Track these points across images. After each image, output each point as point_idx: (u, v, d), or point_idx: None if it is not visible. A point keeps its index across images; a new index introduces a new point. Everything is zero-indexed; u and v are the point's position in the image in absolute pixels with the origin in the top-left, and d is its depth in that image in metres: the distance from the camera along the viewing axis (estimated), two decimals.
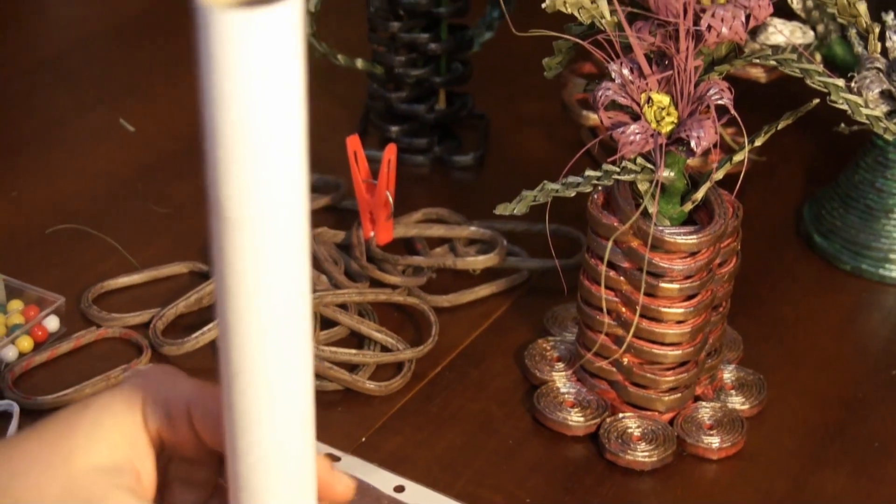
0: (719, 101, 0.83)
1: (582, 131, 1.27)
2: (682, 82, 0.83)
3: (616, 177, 0.86)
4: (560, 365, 0.98)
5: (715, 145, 0.84)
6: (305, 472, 0.59)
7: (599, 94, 0.84)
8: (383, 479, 0.89)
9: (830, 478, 0.92)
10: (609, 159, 0.86)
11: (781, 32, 1.00)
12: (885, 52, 1.02)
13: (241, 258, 0.52)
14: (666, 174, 0.87)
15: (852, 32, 1.03)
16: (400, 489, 0.88)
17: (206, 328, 0.99)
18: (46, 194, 1.17)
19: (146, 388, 0.61)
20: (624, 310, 0.91)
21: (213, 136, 0.50)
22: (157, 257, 1.09)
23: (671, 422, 0.94)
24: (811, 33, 1.04)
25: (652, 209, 0.87)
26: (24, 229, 1.13)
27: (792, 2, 1.04)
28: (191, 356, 0.99)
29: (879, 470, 0.93)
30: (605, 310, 0.91)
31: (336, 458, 0.90)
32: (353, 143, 1.06)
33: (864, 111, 0.82)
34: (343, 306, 1.03)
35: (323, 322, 1.01)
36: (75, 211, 1.15)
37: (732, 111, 0.82)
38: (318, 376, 0.96)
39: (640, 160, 0.86)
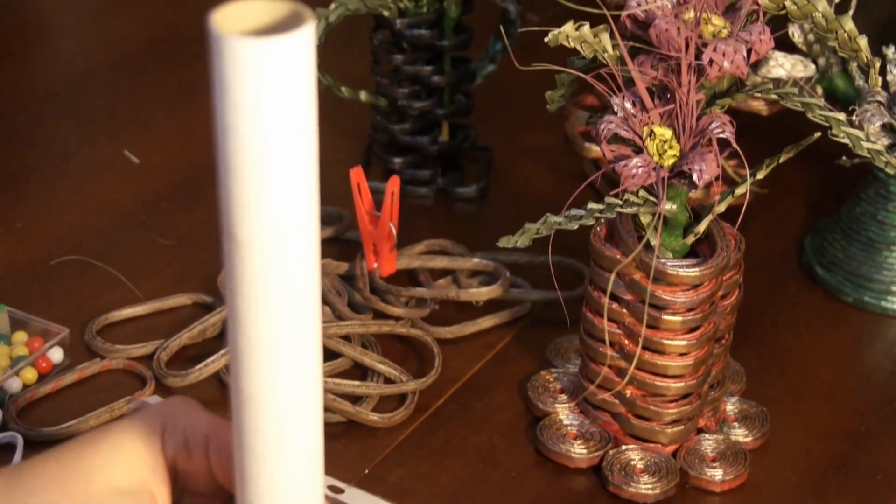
0: (721, 135, 0.83)
1: (584, 163, 1.27)
2: (684, 116, 0.83)
3: (619, 209, 0.86)
4: (563, 397, 0.98)
5: (717, 178, 0.84)
6: (314, 496, 0.59)
7: (602, 127, 0.85)
8: None
9: None
10: (612, 192, 0.86)
11: (783, 66, 1.01)
12: (885, 85, 1.03)
13: (252, 279, 0.52)
14: (668, 207, 0.87)
15: (853, 66, 1.04)
16: None
17: (209, 360, 1.00)
18: (51, 225, 1.17)
19: (166, 415, 0.61)
20: (627, 342, 0.92)
21: (225, 161, 0.50)
22: (161, 289, 1.09)
23: (674, 454, 0.94)
24: (812, 67, 1.04)
25: (654, 242, 0.87)
26: (29, 260, 1.13)
27: (793, 35, 1.04)
28: (194, 388, 0.99)
29: (882, 503, 0.93)
30: (607, 342, 0.92)
31: (339, 490, 0.90)
32: (357, 174, 1.06)
33: (866, 145, 0.83)
34: (346, 338, 1.03)
35: (326, 353, 1.01)
36: (79, 242, 1.15)
37: (734, 144, 0.83)
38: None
39: (642, 193, 0.87)
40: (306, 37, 0.49)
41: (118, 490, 0.58)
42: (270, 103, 0.49)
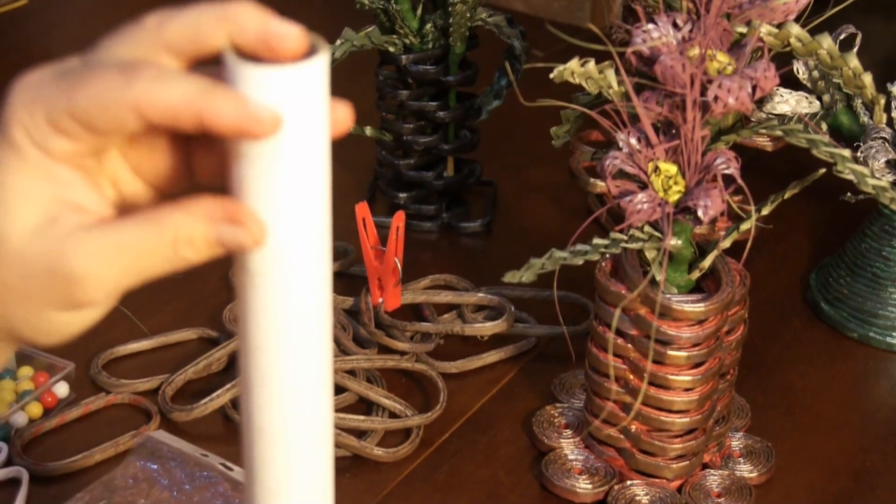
0: (726, 171, 0.83)
1: (589, 199, 1.27)
2: (689, 151, 0.84)
3: (624, 245, 0.87)
4: (568, 432, 0.98)
5: (722, 214, 0.84)
6: None
7: (607, 162, 0.85)
8: None
9: None
10: (617, 227, 0.86)
11: (787, 102, 1.01)
12: (890, 122, 1.03)
13: (264, 311, 0.53)
14: (673, 242, 0.87)
15: (858, 102, 1.04)
16: None
17: (215, 394, 0.99)
18: None
19: (10, 122, 0.52)
20: (632, 377, 0.92)
21: (238, 191, 0.50)
22: (167, 323, 1.09)
23: (679, 489, 0.94)
24: (817, 103, 1.04)
25: (659, 277, 0.87)
26: None
27: (798, 72, 1.04)
28: (200, 422, 0.99)
29: None
30: (612, 377, 0.92)
31: None
32: (362, 209, 1.07)
33: (871, 181, 0.83)
34: (351, 372, 1.03)
35: None
36: None
37: (739, 180, 0.83)
38: None
39: (647, 228, 0.87)
40: (320, 66, 0.49)
41: (38, 229, 0.51)
42: (284, 131, 0.49)
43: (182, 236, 0.51)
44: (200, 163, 0.54)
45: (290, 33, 0.49)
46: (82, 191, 0.53)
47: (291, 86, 0.49)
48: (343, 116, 0.53)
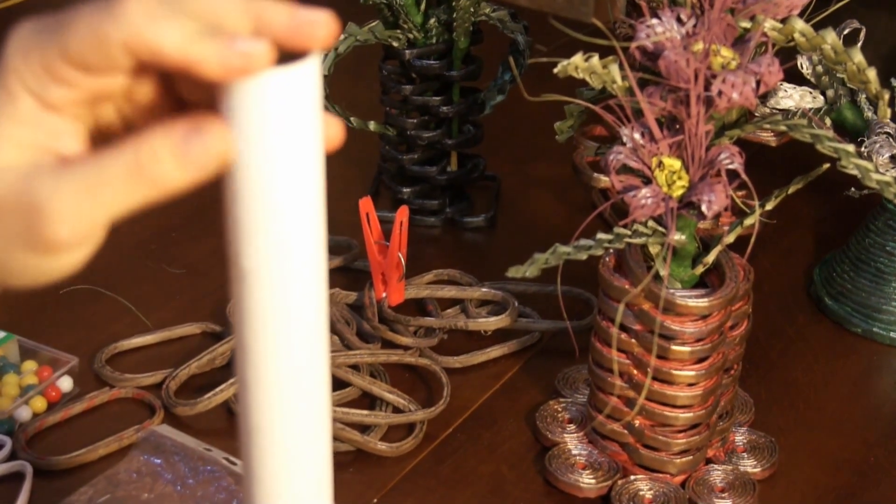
0: (730, 166, 0.83)
1: (593, 194, 1.27)
2: (693, 147, 0.83)
3: (627, 240, 0.87)
4: (571, 427, 0.98)
5: (726, 209, 0.84)
6: None
7: (611, 157, 0.85)
8: None
9: None
10: (621, 222, 0.86)
11: (791, 97, 1.01)
12: (895, 117, 1.03)
13: (258, 309, 0.52)
14: (677, 237, 0.87)
15: (862, 98, 1.04)
16: None
17: (218, 389, 1.00)
18: None
19: (7, 70, 0.52)
20: (635, 372, 0.92)
21: (231, 191, 0.50)
22: (171, 318, 1.09)
23: (683, 484, 0.94)
24: (821, 98, 1.04)
25: (663, 272, 0.87)
26: (38, 290, 1.13)
27: (802, 67, 1.04)
28: (203, 416, 0.99)
29: None
30: (616, 372, 0.92)
31: None
32: (366, 204, 1.07)
33: (875, 176, 0.83)
34: (355, 367, 1.03)
35: (335, 383, 1.01)
36: (89, 272, 1.14)
37: (743, 175, 0.83)
38: None
39: (651, 223, 0.87)
40: (312, 69, 0.49)
41: (11, 170, 0.51)
42: (275, 133, 0.49)
43: (145, 153, 0.49)
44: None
45: (321, 20, 0.49)
46: (71, 143, 0.52)
47: (282, 88, 0.49)
48: (335, 133, 0.52)
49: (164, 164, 0.49)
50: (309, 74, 0.49)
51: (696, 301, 0.88)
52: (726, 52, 0.83)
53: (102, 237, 0.53)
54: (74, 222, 0.50)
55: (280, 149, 0.50)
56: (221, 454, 0.92)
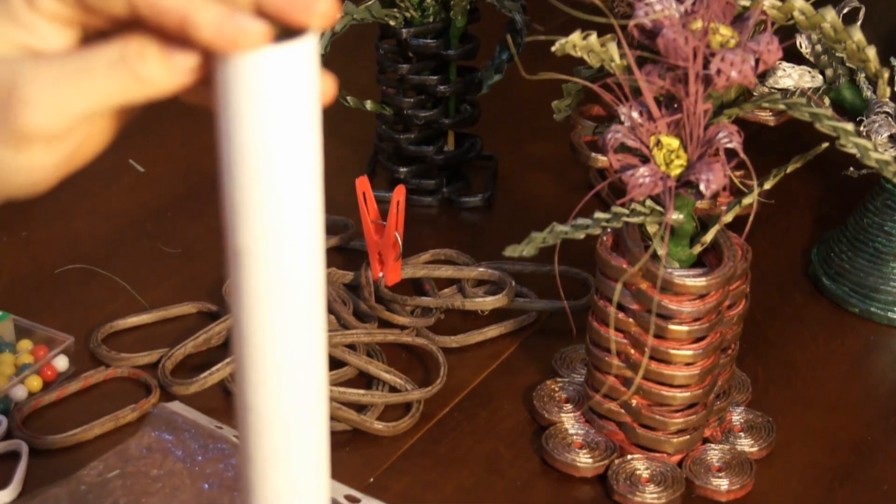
0: (728, 145, 0.83)
1: (591, 173, 1.27)
2: (691, 125, 0.83)
3: (625, 219, 0.86)
4: (568, 406, 0.98)
5: (724, 188, 0.84)
6: None
7: (609, 136, 0.85)
8: None
9: None
10: (618, 201, 0.86)
11: (790, 76, 1.00)
12: (894, 96, 1.03)
13: (252, 288, 0.52)
14: (675, 217, 0.87)
15: (861, 77, 1.03)
16: None
17: (214, 368, 0.99)
18: (56, 234, 1.17)
19: None
20: (633, 351, 0.91)
21: (226, 169, 0.50)
22: (166, 297, 1.09)
23: (680, 464, 0.94)
24: (820, 77, 1.04)
25: (661, 251, 0.87)
26: (34, 269, 1.13)
27: (801, 46, 1.04)
28: (199, 396, 0.98)
29: None
30: (613, 351, 0.91)
31: (356, 500, 0.89)
32: (363, 184, 1.06)
33: (874, 155, 0.82)
34: (351, 346, 1.03)
35: (332, 362, 1.01)
36: (85, 251, 1.15)
37: (742, 154, 0.82)
38: None
39: (649, 203, 0.87)
40: (308, 46, 0.49)
41: None
42: (270, 110, 0.49)
43: (133, 50, 0.49)
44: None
45: None
46: (57, 46, 0.52)
47: (277, 66, 0.48)
48: (327, 88, 0.52)
49: (150, 63, 0.49)
50: (306, 52, 0.49)
51: (693, 280, 0.88)
52: (725, 31, 0.83)
53: (78, 143, 0.52)
54: (52, 109, 0.49)
55: (275, 126, 0.49)
56: (232, 432, 0.92)
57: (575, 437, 0.96)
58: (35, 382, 0.99)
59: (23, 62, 0.50)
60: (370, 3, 1.18)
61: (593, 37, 0.84)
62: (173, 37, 0.49)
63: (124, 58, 0.49)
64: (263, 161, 0.50)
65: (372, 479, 0.93)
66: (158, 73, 0.49)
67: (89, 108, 0.50)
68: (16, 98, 0.49)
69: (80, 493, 0.89)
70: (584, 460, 0.94)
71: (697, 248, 0.90)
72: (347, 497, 0.89)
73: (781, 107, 0.85)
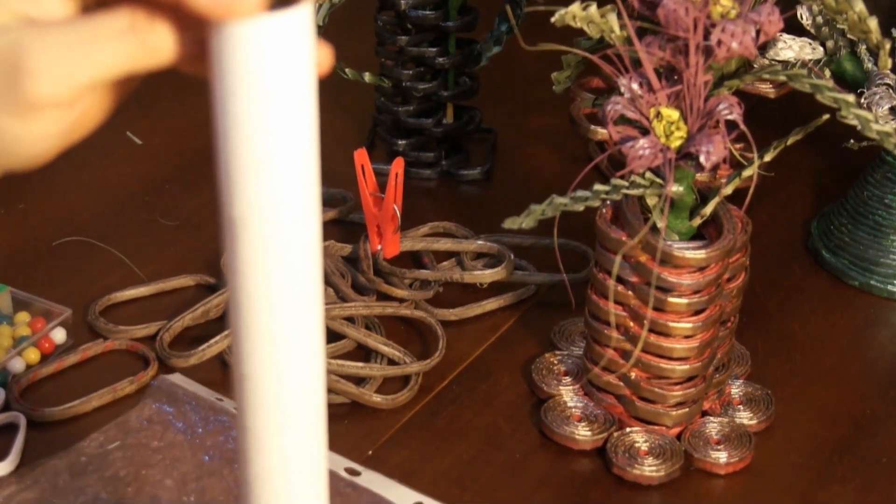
0: (729, 116, 0.82)
1: (590, 146, 1.27)
2: (691, 97, 0.83)
3: (625, 191, 0.86)
4: (567, 379, 0.98)
5: (724, 161, 0.83)
6: (317, 479, 0.59)
7: (608, 108, 0.84)
8: (401, 495, 0.88)
9: (838, 494, 0.92)
10: (618, 173, 0.86)
11: (791, 48, 1.00)
12: (895, 68, 1.02)
13: (248, 260, 0.52)
14: (675, 189, 0.87)
15: (862, 48, 1.03)
16: None
17: (212, 340, 0.99)
18: (53, 207, 1.17)
19: None
20: (632, 324, 0.91)
21: (222, 140, 0.50)
22: (164, 270, 1.09)
23: (679, 436, 0.93)
24: (821, 49, 1.04)
25: (661, 224, 0.87)
26: (32, 242, 1.13)
27: (802, 17, 1.03)
28: (198, 369, 0.98)
29: (888, 486, 0.92)
30: (613, 324, 0.91)
31: (356, 473, 0.89)
32: (361, 156, 1.06)
33: (875, 127, 0.82)
34: (350, 319, 1.03)
35: (330, 335, 1.01)
36: (82, 223, 1.15)
37: (742, 126, 0.82)
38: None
39: (648, 175, 0.86)
40: (303, 15, 0.48)
41: None
42: (266, 80, 0.48)
43: (142, 18, 0.48)
44: None
45: None
46: (57, 16, 0.51)
47: (272, 34, 0.48)
48: (323, 58, 0.51)
49: (160, 32, 0.48)
50: (302, 20, 0.48)
51: (693, 253, 0.88)
52: (726, 1, 0.82)
53: (80, 115, 0.51)
54: (59, 78, 0.49)
55: (271, 94, 0.49)
56: (232, 404, 0.92)
57: (574, 409, 0.95)
58: (33, 355, 0.98)
59: (27, 31, 0.49)
60: None
61: (593, 7, 0.84)
62: (169, 5, 0.49)
63: (134, 25, 0.48)
64: (259, 130, 0.49)
65: (370, 452, 0.93)
66: (167, 43, 0.49)
67: (96, 77, 0.49)
68: (22, 67, 0.49)
69: (81, 465, 0.89)
70: (582, 433, 0.94)
71: (697, 221, 0.90)
72: (348, 470, 0.89)
73: (782, 78, 0.85)
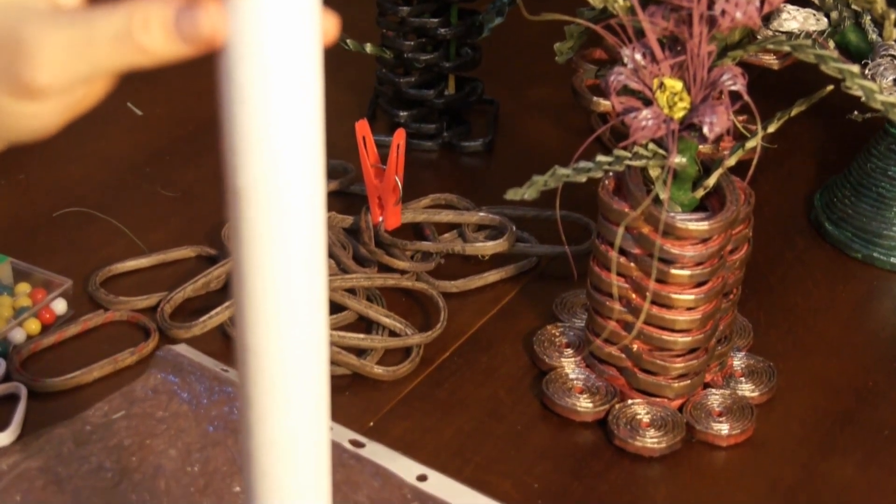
0: (733, 87, 0.82)
1: (592, 118, 1.26)
2: (695, 67, 0.82)
3: (628, 162, 0.86)
4: (569, 351, 0.98)
5: (727, 132, 0.83)
6: (319, 450, 0.59)
7: (612, 78, 0.84)
8: (405, 467, 0.88)
9: (840, 465, 0.92)
10: (621, 144, 0.85)
11: (795, 19, 1.00)
12: None
13: (252, 229, 0.52)
14: (678, 160, 0.86)
15: (867, 19, 1.02)
16: (423, 478, 0.88)
17: (213, 312, 0.99)
18: (54, 178, 1.17)
19: None
20: (634, 296, 0.91)
21: (226, 108, 0.50)
22: (165, 241, 1.09)
23: (680, 408, 0.93)
24: (825, 20, 1.03)
25: (663, 195, 0.87)
26: (32, 213, 1.12)
27: None
28: (198, 340, 0.98)
29: (889, 458, 0.92)
30: (615, 296, 0.91)
31: (360, 444, 0.89)
32: (362, 127, 1.06)
33: (880, 98, 0.82)
34: (351, 291, 1.03)
35: (331, 306, 1.01)
36: (83, 194, 1.14)
37: (746, 97, 0.82)
38: None
39: (651, 146, 0.86)
40: None
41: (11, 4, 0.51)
42: (271, 49, 0.48)
43: (137, 20, 0.49)
44: None
45: None
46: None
47: (283, 4, 0.47)
48: (329, 27, 0.51)
49: (154, 33, 0.49)
50: None
51: (696, 224, 0.87)
52: None
53: (84, 94, 0.53)
54: (55, 71, 0.50)
55: (276, 64, 0.48)
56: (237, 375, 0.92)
57: (575, 381, 0.95)
58: (33, 325, 0.98)
59: (33, 16, 0.51)
60: None
61: None
62: None
63: (129, 28, 0.49)
64: (264, 99, 0.49)
65: (372, 424, 0.93)
66: (162, 43, 0.50)
67: (92, 73, 0.51)
68: (24, 54, 0.50)
69: (85, 434, 0.89)
70: (584, 405, 0.93)
71: (700, 192, 0.89)
72: (352, 441, 0.89)
73: (786, 48, 0.84)
